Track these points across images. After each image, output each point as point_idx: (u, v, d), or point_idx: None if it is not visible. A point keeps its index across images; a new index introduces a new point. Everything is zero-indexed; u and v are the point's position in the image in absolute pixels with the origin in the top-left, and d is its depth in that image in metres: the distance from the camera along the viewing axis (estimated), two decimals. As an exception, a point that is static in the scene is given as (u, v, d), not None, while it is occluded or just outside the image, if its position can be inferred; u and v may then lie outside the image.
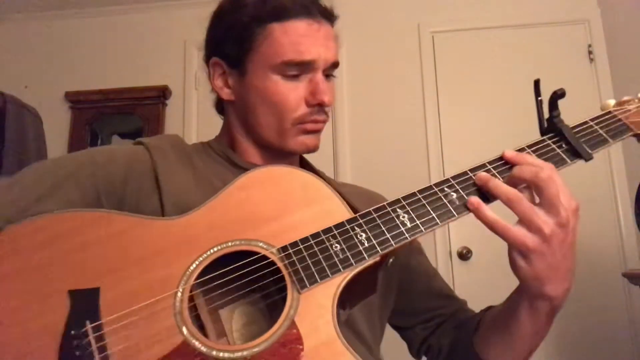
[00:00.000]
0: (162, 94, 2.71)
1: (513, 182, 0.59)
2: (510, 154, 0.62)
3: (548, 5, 2.58)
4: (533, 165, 0.58)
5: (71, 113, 2.77)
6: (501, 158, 0.63)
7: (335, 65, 0.76)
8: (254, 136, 0.77)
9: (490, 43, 2.59)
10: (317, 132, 0.76)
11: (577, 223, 0.57)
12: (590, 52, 2.51)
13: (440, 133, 2.53)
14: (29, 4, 2.85)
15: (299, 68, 0.72)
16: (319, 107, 0.73)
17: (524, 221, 0.55)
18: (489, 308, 0.74)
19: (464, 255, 2.37)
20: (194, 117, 2.68)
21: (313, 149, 0.76)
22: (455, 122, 2.54)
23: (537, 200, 0.57)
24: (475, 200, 0.58)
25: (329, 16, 0.75)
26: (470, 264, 2.37)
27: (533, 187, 0.57)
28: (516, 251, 0.56)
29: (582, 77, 2.49)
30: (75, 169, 0.67)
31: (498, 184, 0.58)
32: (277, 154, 0.78)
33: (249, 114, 0.76)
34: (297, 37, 0.71)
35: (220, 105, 0.84)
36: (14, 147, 1.60)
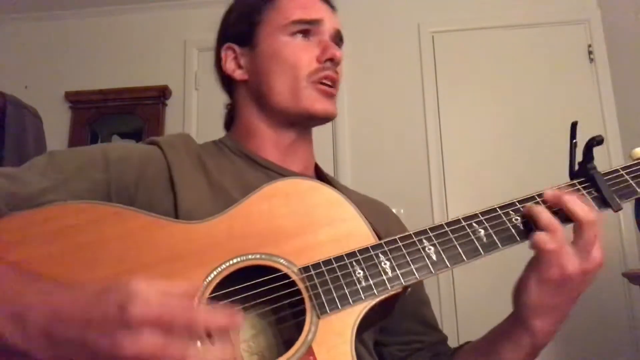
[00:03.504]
0: (162, 94, 2.71)
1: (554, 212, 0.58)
2: (551, 194, 0.60)
3: (548, 5, 2.58)
4: (585, 205, 0.57)
5: (71, 113, 2.77)
6: (532, 197, 0.61)
7: (339, 35, 0.79)
8: (269, 111, 0.76)
9: (490, 43, 2.59)
10: (331, 95, 0.75)
11: (592, 279, 0.57)
12: (590, 52, 2.51)
13: (440, 133, 2.52)
14: (29, 4, 2.85)
15: (307, 27, 0.75)
16: (330, 62, 0.74)
17: (560, 255, 0.55)
18: (468, 342, 0.73)
19: (464, 255, 2.37)
20: (194, 117, 2.67)
21: (331, 114, 0.75)
22: (455, 122, 2.53)
23: (572, 239, 0.57)
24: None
25: (329, 1, 0.81)
26: (470, 264, 2.36)
27: (577, 225, 0.56)
28: (536, 277, 0.57)
29: (582, 77, 2.49)
30: (87, 163, 0.65)
31: (543, 210, 0.58)
32: (295, 136, 0.77)
33: (262, 84, 0.76)
34: (303, 2, 0.77)
35: (229, 121, 0.84)
36: (14, 147, 1.60)
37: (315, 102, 0.74)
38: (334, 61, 0.75)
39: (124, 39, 2.85)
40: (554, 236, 0.55)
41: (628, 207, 2.29)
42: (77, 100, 2.76)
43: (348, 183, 2.47)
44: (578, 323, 2.19)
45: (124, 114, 2.76)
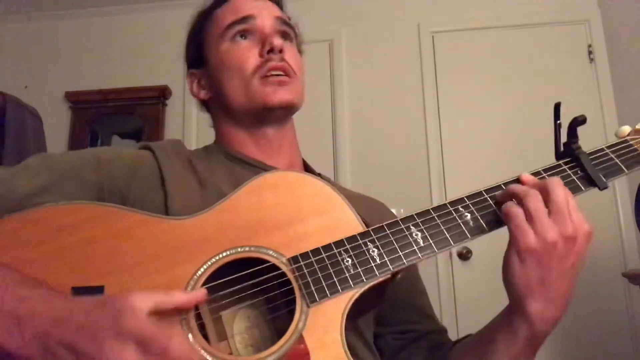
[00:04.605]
0: (162, 94, 2.71)
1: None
2: (528, 177, 0.61)
3: (548, 5, 2.58)
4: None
5: (71, 113, 2.77)
6: (517, 180, 0.62)
7: (282, 21, 0.80)
8: (236, 117, 0.78)
9: (490, 43, 2.59)
10: (282, 84, 0.75)
11: (585, 250, 0.55)
12: (590, 52, 2.51)
13: (440, 133, 2.53)
14: (29, 4, 2.85)
15: (242, 27, 0.77)
16: (272, 54, 0.75)
17: (533, 219, 0.54)
18: (469, 335, 0.72)
19: (464, 255, 2.37)
20: (194, 117, 2.68)
21: (287, 102, 0.74)
22: (455, 122, 2.54)
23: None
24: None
25: None
26: (470, 264, 2.37)
27: (544, 193, 0.56)
28: (515, 250, 0.55)
29: (582, 77, 2.49)
30: (78, 165, 0.66)
31: (516, 184, 0.59)
32: (271, 134, 0.78)
33: (221, 95, 0.78)
34: (234, 6, 0.79)
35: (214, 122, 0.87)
36: (14, 147, 1.60)
37: (267, 96, 0.74)
38: (274, 51, 0.75)
39: (124, 39, 2.85)
40: (525, 200, 0.55)
41: (628, 207, 2.30)
42: (77, 100, 2.76)
43: (348, 183, 2.49)
44: (578, 323, 2.19)
45: (124, 114, 2.76)
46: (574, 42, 2.54)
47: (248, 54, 0.76)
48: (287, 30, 0.81)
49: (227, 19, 0.78)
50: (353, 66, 2.61)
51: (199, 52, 0.82)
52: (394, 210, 0.88)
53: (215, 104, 0.82)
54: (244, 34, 0.77)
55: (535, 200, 0.55)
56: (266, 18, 0.78)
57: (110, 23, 2.89)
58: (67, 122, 2.75)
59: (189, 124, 2.68)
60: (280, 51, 0.75)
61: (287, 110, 0.77)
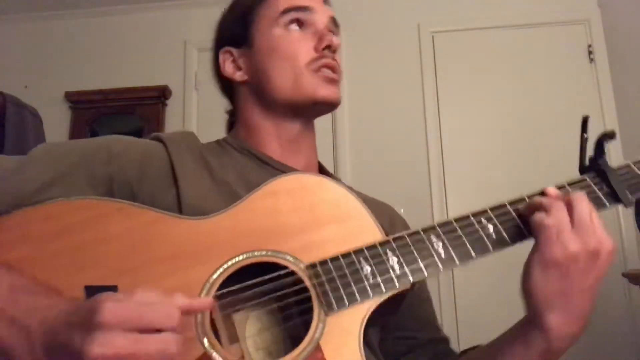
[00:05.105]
0: (162, 94, 2.71)
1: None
2: (552, 190, 0.60)
3: (548, 5, 2.58)
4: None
5: (71, 113, 2.77)
6: (541, 193, 0.61)
7: (335, 22, 0.80)
8: (271, 106, 0.76)
9: (490, 43, 2.59)
10: (334, 82, 0.75)
11: (607, 266, 0.55)
12: (590, 52, 2.51)
13: (440, 133, 2.52)
14: (29, 4, 2.85)
15: (299, 15, 0.75)
16: (328, 50, 0.74)
17: (558, 231, 0.54)
18: (477, 346, 0.70)
19: (464, 255, 2.37)
20: (194, 117, 2.67)
21: (336, 100, 0.75)
22: (455, 122, 2.53)
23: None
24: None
25: None
26: (471, 264, 2.36)
27: (568, 207, 0.55)
28: (538, 260, 0.54)
29: (582, 77, 2.49)
30: (89, 156, 0.65)
31: (542, 198, 0.58)
32: (297, 129, 0.77)
33: (263, 81, 0.76)
34: None
35: (230, 114, 0.85)
36: (14, 147, 1.60)
37: (318, 88, 0.73)
38: (331, 48, 0.75)
39: (124, 39, 2.85)
40: (552, 212, 0.55)
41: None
42: (77, 100, 2.76)
43: (348, 183, 2.47)
44: (578, 323, 2.19)
45: (124, 114, 2.76)
46: (574, 42, 2.54)
47: (303, 45, 0.74)
48: (336, 33, 0.80)
49: (284, 3, 0.76)
50: (353, 66, 2.61)
51: (244, 31, 0.78)
52: (402, 210, 0.87)
53: (249, 89, 0.79)
54: (299, 24, 0.76)
55: (560, 213, 0.54)
56: (324, 15, 0.78)
57: (110, 23, 2.88)
58: (67, 122, 2.75)
59: (189, 124, 2.68)
60: (334, 50, 0.75)
61: (330, 107, 0.76)
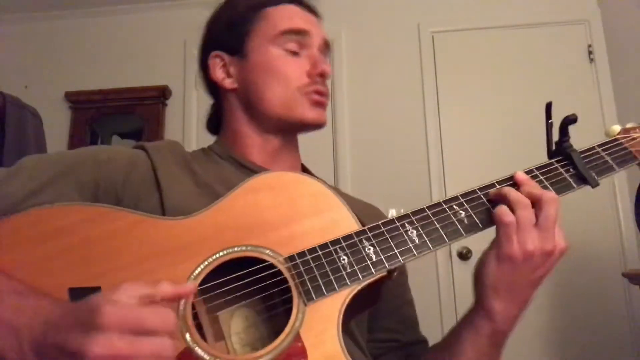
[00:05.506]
0: (162, 94, 2.71)
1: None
2: (522, 176, 0.63)
3: (548, 5, 2.58)
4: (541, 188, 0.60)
5: (71, 113, 2.77)
6: (510, 178, 0.63)
7: (327, 45, 0.82)
8: (259, 118, 0.78)
9: (490, 43, 2.59)
10: (322, 105, 0.78)
11: (557, 263, 0.58)
12: (590, 52, 2.51)
13: (440, 133, 2.53)
14: (29, 4, 2.85)
15: (297, 39, 0.77)
16: (320, 77, 0.77)
17: (519, 227, 0.57)
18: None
19: (464, 255, 2.37)
20: (194, 117, 2.68)
21: (322, 122, 0.78)
22: (455, 122, 2.54)
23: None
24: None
25: (314, 11, 0.83)
26: (470, 264, 2.36)
27: (536, 205, 0.58)
28: (495, 253, 0.58)
29: (582, 77, 2.49)
30: (76, 164, 0.67)
31: (511, 189, 0.60)
32: (282, 142, 0.79)
33: (252, 93, 0.77)
34: (290, 13, 0.79)
35: (213, 121, 0.86)
36: (14, 147, 1.60)
37: (306, 111, 0.76)
38: (323, 76, 0.77)
39: (124, 39, 2.85)
40: (515, 209, 0.57)
41: (628, 207, 2.30)
42: (77, 100, 2.76)
43: (348, 183, 2.49)
44: (578, 323, 2.19)
45: (124, 114, 2.76)
46: (574, 42, 2.54)
47: (297, 68, 0.77)
48: (327, 56, 0.83)
49: (283, 24, 0.77)
50: (353, 66, 2.61)
51: (238, 40, 0.79)
52: (393, 211, 0.88)
53: (237, 98, 0.80)
54: (297, 48, 0.78)
55: (525, 210, 0.57)
56: (318, 38, 0.80)
57: (110, 23, 2.88)
58: (67, 122, 2.75)
59: (189, 124, 2.68)
60: (327, 78, 0.78)
61: (315, 128, 0.79)
